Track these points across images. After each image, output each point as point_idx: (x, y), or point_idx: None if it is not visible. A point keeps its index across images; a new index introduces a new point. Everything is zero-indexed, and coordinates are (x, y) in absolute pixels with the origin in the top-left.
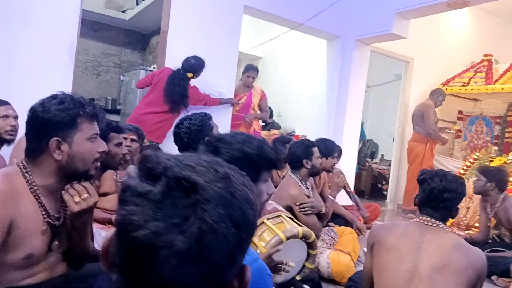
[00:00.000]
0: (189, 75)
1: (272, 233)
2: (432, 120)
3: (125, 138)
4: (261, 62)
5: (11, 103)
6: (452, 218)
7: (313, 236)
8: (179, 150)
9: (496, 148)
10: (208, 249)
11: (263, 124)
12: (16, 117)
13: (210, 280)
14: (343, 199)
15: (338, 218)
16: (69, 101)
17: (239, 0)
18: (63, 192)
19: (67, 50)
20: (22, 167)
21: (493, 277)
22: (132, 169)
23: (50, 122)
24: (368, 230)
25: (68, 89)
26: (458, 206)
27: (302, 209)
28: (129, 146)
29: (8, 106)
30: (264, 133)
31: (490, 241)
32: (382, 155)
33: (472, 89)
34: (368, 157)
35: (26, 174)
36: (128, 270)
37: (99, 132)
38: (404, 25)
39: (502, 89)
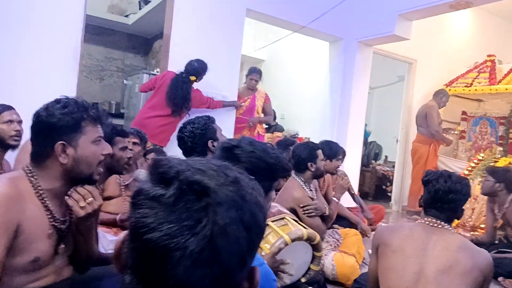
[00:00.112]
0: (192, 78)
1: (277, 235)
2: (435, 121)
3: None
4: (264, 64)
5: (15, 108)
6: (457, 219)
7: (318, 238)
8: (183, 154)
9: (501, 148)
10: (220, 251)
11: (267, 126)
12: (20, 122)
13: (222, 282)
14: (347, 201)
15: (343, 220)
16: (72, 105)
17: (241, 4)
18: (66, 197)
19: (71, 55)
20: (27, 171)
21: (500, 279)
22: (138, 173)
23: (55, 126)
24: (373, 232)
25: (72, 93)
26: (463, 207)
27: (306, 211)
28: (131, 150)
29: (13, 111)
30: (267, 136)
31: (496, 242)
32: (386, 157)
33: (475, 90)
34: (372, 158)
35: (32, 178)
36: (142, 271)
37: (103, 135)
38: (406, 27)
39: (506, 89)
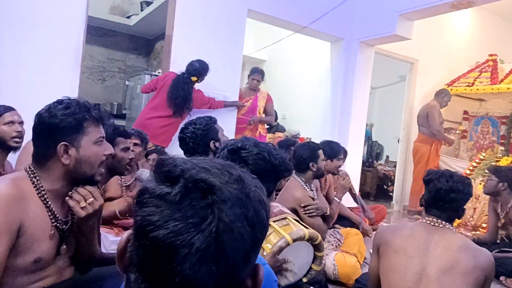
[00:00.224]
0: (193, 78)
1: (279, 235)
2: (436, 121)
3: None
4: (265, 65)
5: (17, 109)
6: (459, 219)
7: (320, 238)
8: (185, 154)
9: (503, 148)
10: (225, 248)
11: (268, 127)
12: (21, 123)
13: (227, 278)
14: (348, 201)
15: (344, 220)
16: (74, 106)
17: (243, 4)
18: (67, 198)
19: (73, 56)
20: (30, 172)
21: (502, 278)
22: (140, 172)
23: (57, 127)
24: (374, 232)
25: (74, 94)
26: (465, 207)
27: (307, 211)
28: (132, 151)
29: (14, 112)
30: (268, 136)
31: (498, 241)
32: (387, 157)
33: (477, 89)
34: (373, 158)
35: (34, 179)
36: (147, 269)
37: (105, 135)
38: (408, 26)
39: (508, 88)
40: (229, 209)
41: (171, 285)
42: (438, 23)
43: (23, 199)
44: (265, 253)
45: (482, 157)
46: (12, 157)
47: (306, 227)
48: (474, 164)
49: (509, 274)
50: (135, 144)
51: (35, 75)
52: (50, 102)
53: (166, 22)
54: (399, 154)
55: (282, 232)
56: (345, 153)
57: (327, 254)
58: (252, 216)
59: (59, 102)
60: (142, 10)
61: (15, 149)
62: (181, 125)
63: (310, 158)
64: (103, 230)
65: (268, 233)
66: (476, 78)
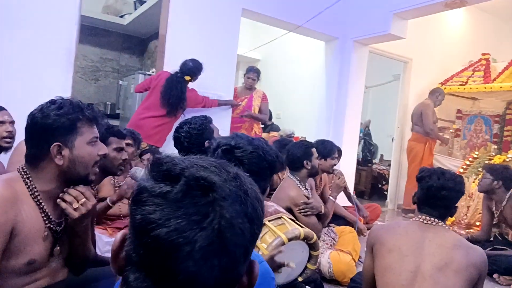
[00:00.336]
0: (187, 78)
1: (274, 234)
2: (430, 120)
3: None
4: (260, 64)
5: (9, 109)
6: (451, 216)
7: (315, 237)
8: (179, 154)
9: (496, 146)
10: (228, 243)
11: (263, 126)
12: (12, 123)
13: (228, 273)
14: (342, 200)
15: (339, 219)
16: (68, 106)
17: (237, 3)
18: (58, 200)
19: (66, 56)
20: (23, 173)
21: (495, 275)
22: (134, 171)
23: (50, 128)
24: (369, 231)
25: (67, 94)
26: (457, 205)
27: (302, 210)
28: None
29: (4, 112)
30: (263, 136)
31: (491, 239)
32: (382, 155)
33: (470, 88)
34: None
35: (27, 180)
36: (150, 267)
37: (98, 135)
38: (402, 26)
39: (501, 87)
40: (230, 206)
41: (174, 282)
42: (432, 22)
43: (16, 200)
44: (260, 253)
45: (475, 156)
46: (3, 158)
47: (302, 226)
48: (468, 162)
49: (503, 272)
50: (127, 144)
51: (27, 75)
52: (42, 102)
53: (160, 21)
54: (393, 153)
55: (278, 232)
56: (340, 152)
57: (322, 253)
58: (251, 212)
59: (52, 102)
60: (135, 9)
61: (6, 149)
62: (176, 124)
63: (304, 156)
64: (97, 231)
65: (263, 233)
66: (469, 77)
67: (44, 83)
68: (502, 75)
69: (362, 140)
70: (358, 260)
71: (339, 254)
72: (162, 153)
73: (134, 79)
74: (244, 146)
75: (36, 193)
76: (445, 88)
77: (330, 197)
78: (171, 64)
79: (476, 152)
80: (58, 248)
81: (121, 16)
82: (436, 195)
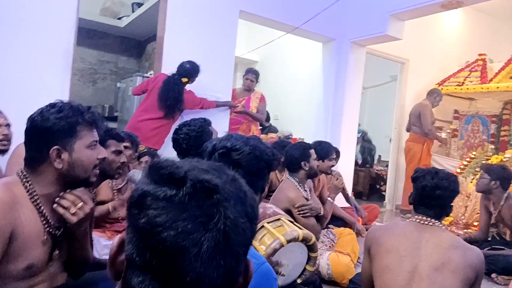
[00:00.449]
0: (184, 80)
1: (273, 236)
2: (428, 120)
3: None
4: (257, 66)
5: (7, 112)
6: (447, 216)
7: (314, 238)
8: (178, 156)
9: (493, 146)
10: (232, 243)
11: (261, 128)
12: (8, 126)
13: (232, 271)
14: (340, 201)
15: (338, 220)
16: (67, 109)
17: (234, 5)
18: (55, 206)
19: (64, 58)
20: (22, 177)
21: (493, 275)
22: (132, 173)
23: (49, 131)
24: (366, 232)
25: (65, 97)
26: (455, 205)
27: (301, 212)
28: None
29: (0, 115)
30: (261, 137)
31: (489, 239)
32: (380, 156)
33: (467, 89)
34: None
35: (26, 184)
36: (157, 269)
37: (98, 139)
38: (399, 27)
39: (497, 88)
40: (233, 207)
41: (182, 283)
42: (429, 23)
43: (15, 204)
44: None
45: (472, 156)
46: (0, 160)
47: (300, 228)
48: (465, 162)
49: (501, 271)
50: (125, 147)
51: (25, 78)
52: (40, 105)
53: (158, 23)
54: (391, 154)
55: (276, 233)
56: (338, 153)
57: (321, 254)
58: (250, 212)
59: (52, 105)
60: (133, 11)
61: (2, 152)
62: (174, 126)
63: (302, 157)
64: (95, 234)
65: (262, 235)
66: (466, 77)
67: (42, 86)
68: (499, 75)
69: (362, 146)
70: (357, 261)
71: (338, 255)
72: (161, 156)
73: (132, 82)
74: (241, 147)
75: (36, 197)
76: (442, 88)
77: (329, 198)
78: (169, 66)
79: (474, 152)
80: (58, 252)
81: (119, 18)
82: (431, 195)
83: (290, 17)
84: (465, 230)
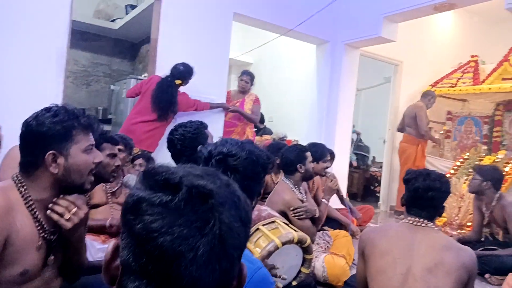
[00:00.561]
0: (178, 82)
1: (268, 239)
2: (425, 122)
3: None
4: (252, 68)
5: (1, 114)
6: (439, 216)
7: (309, 241)
8: (172, 157)
9: (486, 147)
10: (228, 247)
11: (255, 130)
12: None
13: (227, 275)
14: (335, 202)
15: (333, 222)
16: (63, 113)
17: (228, 7)
18: (49, 212)
19: (57, 61)
20: (17, 181)
21: (486, 275)
22: (127, 178)
23: (45, 136)
24: (360, 234)
25: (58, 100)
26: (449, 206)
27: (296, 214)
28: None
29: None
30: (256, 139)
31: (482, 239)
32: (374, 157)
33: (460, 90)
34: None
35: (21, 189)
36: (154, 274)
37: (94, 143)
38: (392, 29)
39: (489, 89)
40: (227, 211)
41: (178, 287)
42: (422, 25)
43: (10, 209)
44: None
45: (466, 157)
46: None
47: (295, 230)
48: (458, 163)
49: (494, 272)
50: (119, 150)
51: (18, 80)
52: (34, 107)
53: (152, 25)
54: (385, 155)
55: (271, 236)
56: (332, 155)
57: (316, 256)
58: (244, 216)
59: (47, 109)
60: (126, 13)
61: None
62: (168, 128)
63: (298, 160)
64: (89, 238)
65: (257, 237)
66: (459, 79)
67: (35, 88)
68: (491, 76)
69: (355, 150)
70: (352, 263)
71: (333, 257)
72: (155, 159)
73: (126, 84)
74: (237, 153)
75: (31, 202)
76: (435, 90)
77: (323, 200)
78: (163, 69)
79: (467, 153)
80: (53, 257)
81: (113, 21)
82: (423, 196)
83: (284, 19)
84: (459, 231)
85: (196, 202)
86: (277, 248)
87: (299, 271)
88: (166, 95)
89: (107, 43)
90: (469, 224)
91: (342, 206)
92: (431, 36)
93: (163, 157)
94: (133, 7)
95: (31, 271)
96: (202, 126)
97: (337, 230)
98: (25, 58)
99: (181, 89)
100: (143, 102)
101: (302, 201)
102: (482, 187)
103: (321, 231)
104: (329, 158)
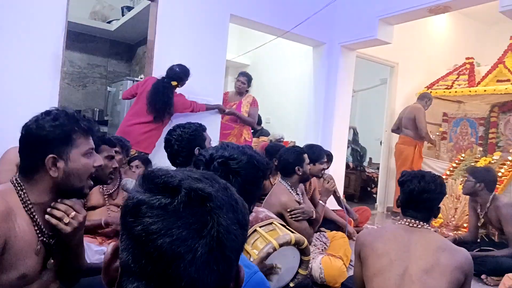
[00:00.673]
0: (174, 83)
1: (265, 241)
2: (425, 124)
3: None
4: (249, 69)
5: None
6: (435, 217)
7: (306, 242)
8: (168, 157)
9: (481, 148)
10: (226, 249)
11: (252, 131)
12: None
13: (225, 276)
14: (332, 204)
15: (330, 223)
16: (63, 117)
17: (225, 9)
18: (47, 216)
19: (53, 62)
20: (16, 185)
21: (483, 276)
22: (125, 182)
23: (45, 140)
24: (357, 235)
25: (54, 101)
26: (445, 207)
27: (293, 215)
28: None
29: None
30: (253, 140)
31: (478, 240)
32: (370, 159)
33: (455, 92)
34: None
35: (20, 192)
36: (152, 275)
37: (94, 147)
38: (388, 31)
39: (485, 91)
40: (225, 214)
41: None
42: (417, 27)
43: (9, 213)
44: (252, 259)
45: (461, 158)
46: None
47: (293, 232)
48: (454, 165)
49: (490, 272)
50: (115, 152)
51: (14, 82)
52: (29, 109)
53: (148, 27)
54: (382, 156)
55: (269, 238)
56: (330, 156)
57: (313, 258)
58: (242, 219)
59: (47, 113)
60: (123, 15)
61: None
62: (166, 129)
63: (296, 162)
64: (86, 240)
65: (254, 239)
66: (454, 80)
67: (31, 90)
68: (486, 78)
69: (350, 147)
70: (349, 264)
71: (331, 259)
72: (152, 160)
73: (123, 85)
74: (238, 157)
75: (30, 206)
76: (431, 91)
77: (320, 201)
78: (160, 70)
79: (463, 155)
80: (53, 261)
81: (109, 22)
82: (419, 199)
83: (280, 21)
84: (455, 232)
85: (194, 204)
86: (274, 249)
87: (297, 273)
88: (162, 97)
89: (103, 45)
90: (465, 225)
91: (339, 207)
92: (426, 38)
93: (160, 158)
94: (129, 8)
95: (30, 275)
96: (200, 128)
97: (334, 232)
98: (20, 59)
99: (178, 90)
100: (139, 103)
101: (299, 202)
102: (475, 189)
103: (318, 233)
104: (325, 159)
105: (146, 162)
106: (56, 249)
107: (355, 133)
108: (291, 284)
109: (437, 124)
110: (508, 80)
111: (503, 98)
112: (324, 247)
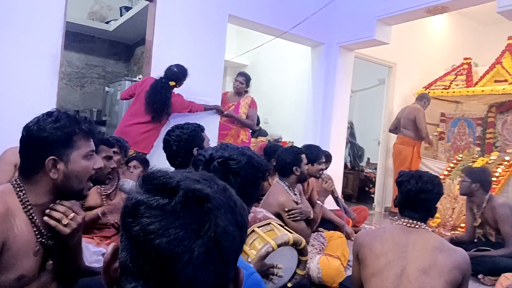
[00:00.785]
0: (172, 83)
1: (263, 241)
2: (425, 124)
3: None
4: (247, 70)
5: None
6: (432, 217)
7: (304, 242)
8: (167, 157)
9: (479, 148)
10: (223, 249)
11: (250, 131)
12: None
13: (222, 277)
14: (330, 204)
15: (327, 223)
16: (64, 119)
17: (223, 9)
18: (46, 218)
19: (51, 62)
20: (16, 185)
21: (480, 276)
22: (122, 183)
23: (46, 141)
24: (355, 236)
25: (52, 101)
26: (443, 207)
27: (291, 216)
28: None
29: None
30: (252, 141)
31: (476, 240)
32: (368, 159)
33: (453, 92)
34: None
35: (20, 193)
36: (150, 275)
37: (94, 149)
38: (386, 31)
39: (482, 91)
40: (223, 215)
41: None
42: (415, 28)
43: (8, 215)
44: (250, 259)
45: (459, 158)
46: None
47: (290, 232)
48: (452, 165)
49: (487, 272)
50: (114, 152)
51: (12, 82)
52: (28, 109)
53: (146, 27)
54: (380, 156)
55: (267, 238)
56: (329, 157)
57: (311, 258)
58: (240, 220)
59: (49, 114)
60: (121, 15)
61: None
62: (164, 130)
63: (294, 163)
64: (84, 240)
65: (252, 239)
66: (452, 81)
67: (29, 90)
68: (484, 79)
69: (349, 143)
70: (347, 264)
71: (328, 259)
72: (149, 161)
73: (121, 86)
74: (238, 157)
75: (29, 207)
76: (429, 92)
77: (318, 202)
78: (158, 70)
79: (460, 155)
80: (51, 262)
81: (107, 22)
82: (416, 199)
83: (279, 22)
84: (453, 232)
85: (192, 205)
86: (272, 250)
87: (294, 273)
88: (160, 97)
89: (101, 45)
90: (462, 225)
91: (337, 207)
92: (424, 38)
93: (158, 159)
94: (127, 8)
95: (28, 276)
96: (199, 128)
97: (332, 231)
98: (18, 59)
99: (176, 90)
100: (137, 104)
101: (296, 202)
102: (471, 189)
103: (316, 232)
104: (323, 160)
105: (144, 162)
106: (54, 250)
107: (352, 127)
108: (289, 284)
109: (435, 124)
110: (506, 81)
111: (501, 98)
112: (322, 247)
